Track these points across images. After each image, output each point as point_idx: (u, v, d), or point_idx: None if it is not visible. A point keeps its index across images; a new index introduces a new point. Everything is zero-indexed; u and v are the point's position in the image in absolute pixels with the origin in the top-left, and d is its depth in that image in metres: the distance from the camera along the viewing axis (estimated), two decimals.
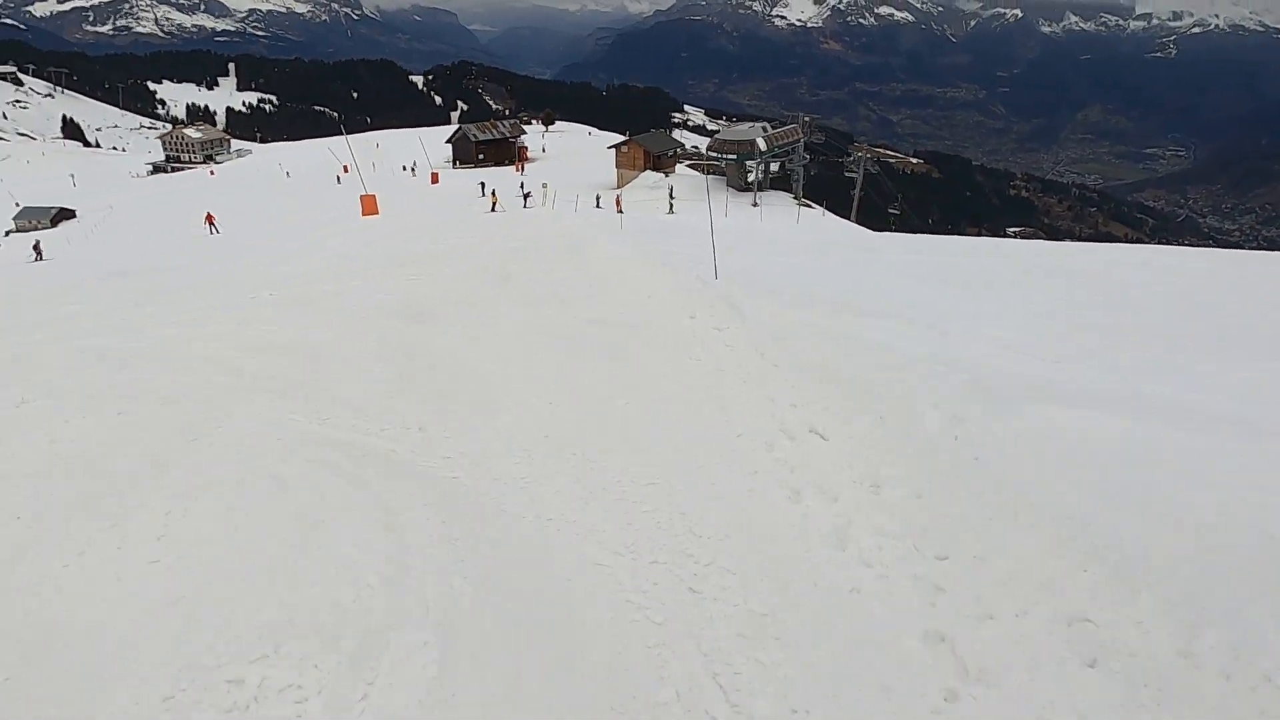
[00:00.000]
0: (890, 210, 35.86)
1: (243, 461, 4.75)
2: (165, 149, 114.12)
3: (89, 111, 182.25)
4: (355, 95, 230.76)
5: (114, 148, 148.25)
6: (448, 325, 7.99)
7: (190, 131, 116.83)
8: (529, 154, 68.98)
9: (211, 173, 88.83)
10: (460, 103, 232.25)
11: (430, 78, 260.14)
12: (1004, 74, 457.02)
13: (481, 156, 66.90)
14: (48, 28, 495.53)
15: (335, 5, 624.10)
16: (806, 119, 40.61)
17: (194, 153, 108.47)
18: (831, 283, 10.93)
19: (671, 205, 33.22)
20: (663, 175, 42.84)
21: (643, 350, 7.09)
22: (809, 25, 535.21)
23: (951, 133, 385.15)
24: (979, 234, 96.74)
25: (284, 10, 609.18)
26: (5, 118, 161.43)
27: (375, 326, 7.85)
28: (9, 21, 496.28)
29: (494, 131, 72.47)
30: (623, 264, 10.52)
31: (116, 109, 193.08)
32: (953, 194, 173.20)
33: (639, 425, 5.54)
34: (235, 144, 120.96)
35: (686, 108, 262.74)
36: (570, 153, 72.05)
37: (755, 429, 5.37)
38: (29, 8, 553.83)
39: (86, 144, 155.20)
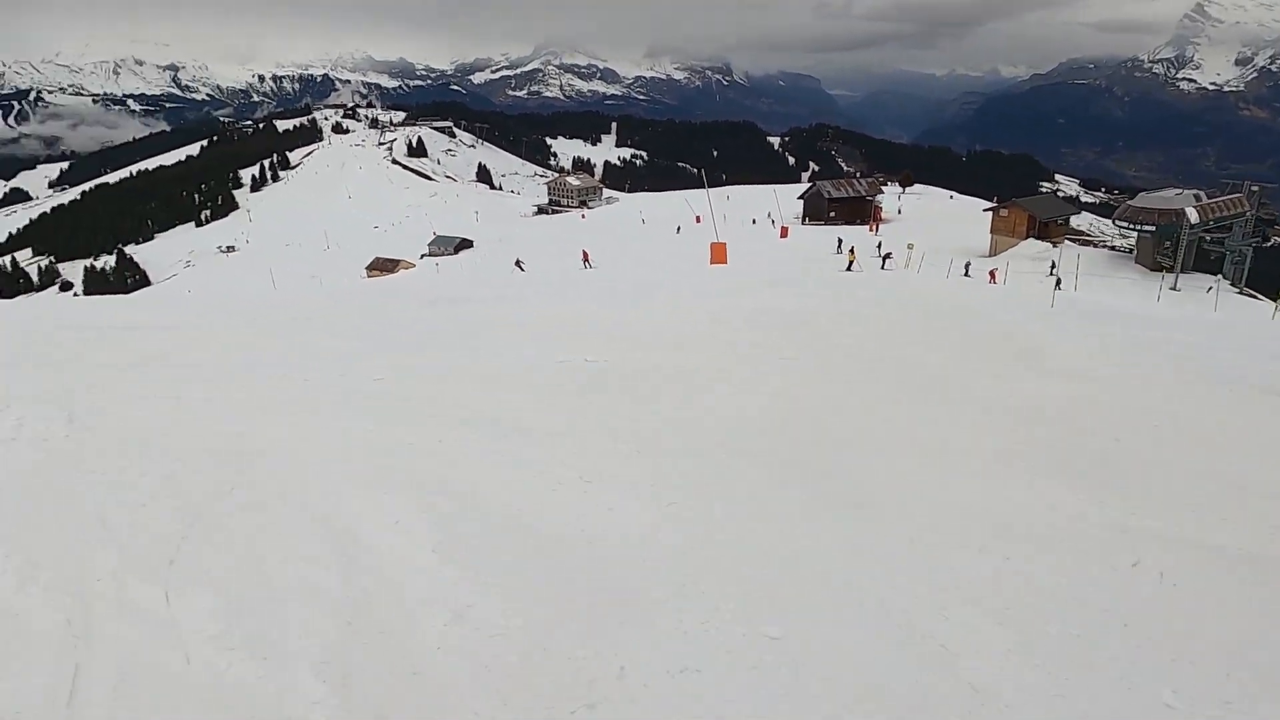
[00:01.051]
0: None
1: None
2: (549, 193, 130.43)
3: (498, 160, 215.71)
4: (715, 153, 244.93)
5: (512, 191, 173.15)
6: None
7: (571, 179, 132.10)
8: (884, 214, 65.64)
9: (583, 216, 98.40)
10: (812, 163, 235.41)
11: (786, 139, 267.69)
12: None
13: (833, 214, 65.22)
14: (482, 92, 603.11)
15: (709, 72, 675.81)
16: (1254, 187, 32.54)
17: (572, 198, 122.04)
18: None
19: (1059, 280, 28.22)
20: (1049, 245, 36.98)
21: None
22: (1225, 89, 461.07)
23: None
24: None
25: (664, 77, 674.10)
26: (439, 163, 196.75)
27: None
28: (456, 87, 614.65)
29: (849, 189, 70.37)
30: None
31: (518, 158, 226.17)
32: None
33: None
34: (607, 192, 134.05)
35: (1058, 177, 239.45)
36: (929, 215, 67.21)
37: None
38: (471, 76, 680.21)
39: (492, 187, 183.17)
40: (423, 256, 78.30)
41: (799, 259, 35.56)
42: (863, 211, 65.31)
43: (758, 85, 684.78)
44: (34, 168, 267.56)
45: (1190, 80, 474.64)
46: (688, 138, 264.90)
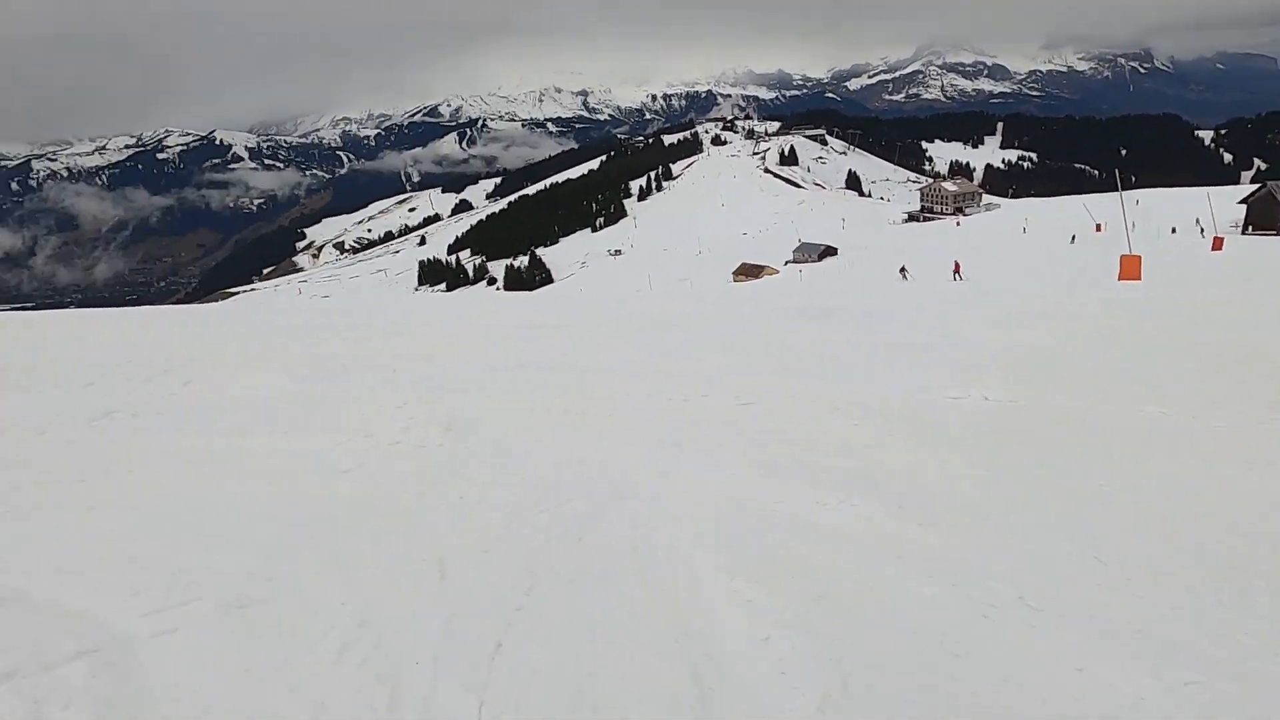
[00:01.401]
0: None
1: None
2: (922, 200, 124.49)
3: (869, 166, 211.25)
4: (1123, 152, 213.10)
5: (881, 198, 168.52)
6: None
7: (946, 185, 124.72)
8: None
9: (957, 223, 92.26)
10: (1258, 160, 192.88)
11: (1222, 133, 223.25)
12: None
13: None
14: (857, 98, 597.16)
15: (1121, 60, 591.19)
16: None
17: (946, 204, 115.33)
18: None
19: None
20: None
21: None
22: None
23: None
24: None
25: (1064, 69, 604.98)
26: (809, 170, 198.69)
27: None
28: (830, 95, 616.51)
29: None
30: None
31: (890, 164, 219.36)
32: None
33: None
34: (986, 198, 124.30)
35: None
36: None
37: None
38: (846, 83, 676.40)
39: (861, 193, 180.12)
40: (786, 263, 79.77)
41: (1240, 275, 29.38)
42: None
43: (1186, 71, 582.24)
44: (476, 183, 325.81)
45: None
46: (1087, 136, 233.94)
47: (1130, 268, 26.03)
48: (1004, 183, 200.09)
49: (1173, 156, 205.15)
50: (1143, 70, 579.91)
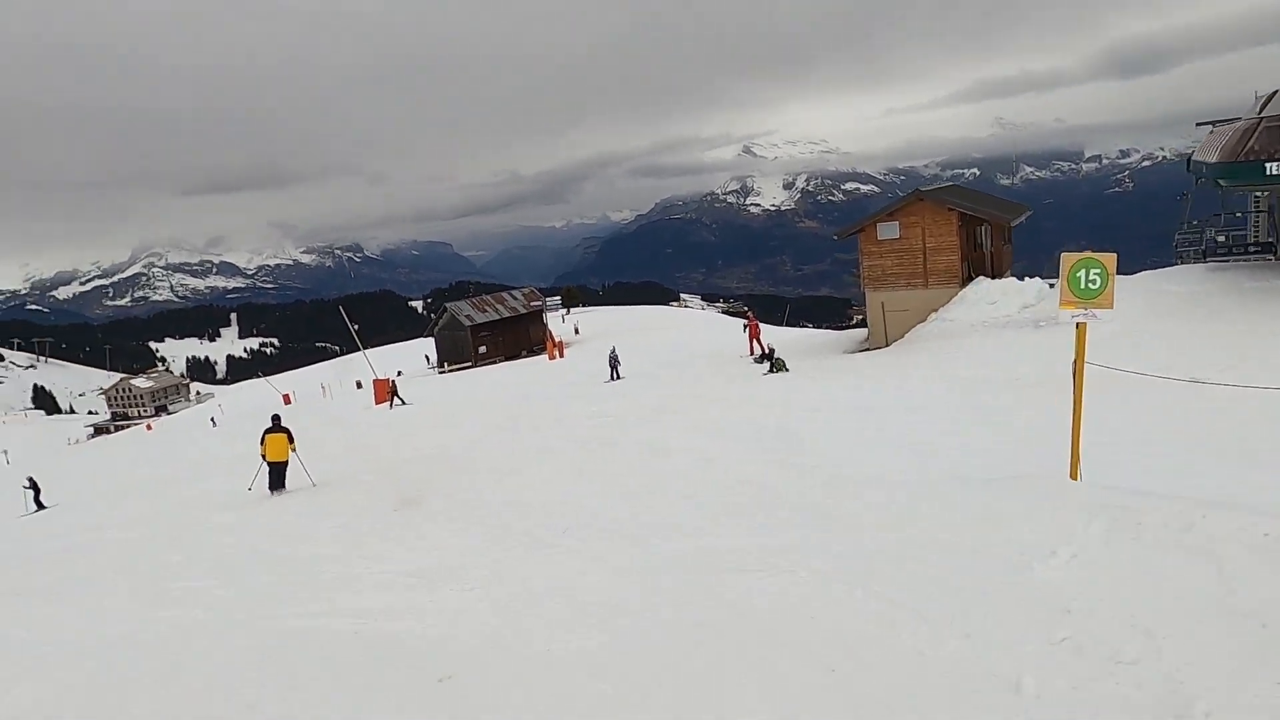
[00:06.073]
0: None
1: None
2: (110, 405, 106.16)
3: (72, 378, 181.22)
4: (357, 327, 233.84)
5: (90, 410, 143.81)
6: None
7: (138, 381, 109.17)
8: (557, 338, 49.70)
9: (149, 427, 74.34)
10: None
11: (429, 300, 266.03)
12: None
13: (483, 349, 51.33)
14: (71, 307, 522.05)
15: (338, 251, 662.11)
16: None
17: (144, 404, 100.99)
18: None
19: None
20: (1016, 280, 25.74)
21: None
22: (783, 208, 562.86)
23: None
24: None
25: (291, 263, 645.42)
26: None
27: None
28: (35, 307, 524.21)
29: (497, 309, 53.99)
30: None
31: (104, 370, 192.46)
32: None
33: None
34: (198, 387, 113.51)
35: (683, 296, 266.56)
36: (626, 329, 55.97)
37: None
38: (54, 292, 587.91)
39: (58, 411, 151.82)
40: None
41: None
42: (526, 338, 52.51)
43: (391, 257, 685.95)
44: None
45: (756, 205, 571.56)
46: (322, 316, 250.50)
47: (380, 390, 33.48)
48: (251, 370, 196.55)
49: (396, 322, 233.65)
50: (358, 259, 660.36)
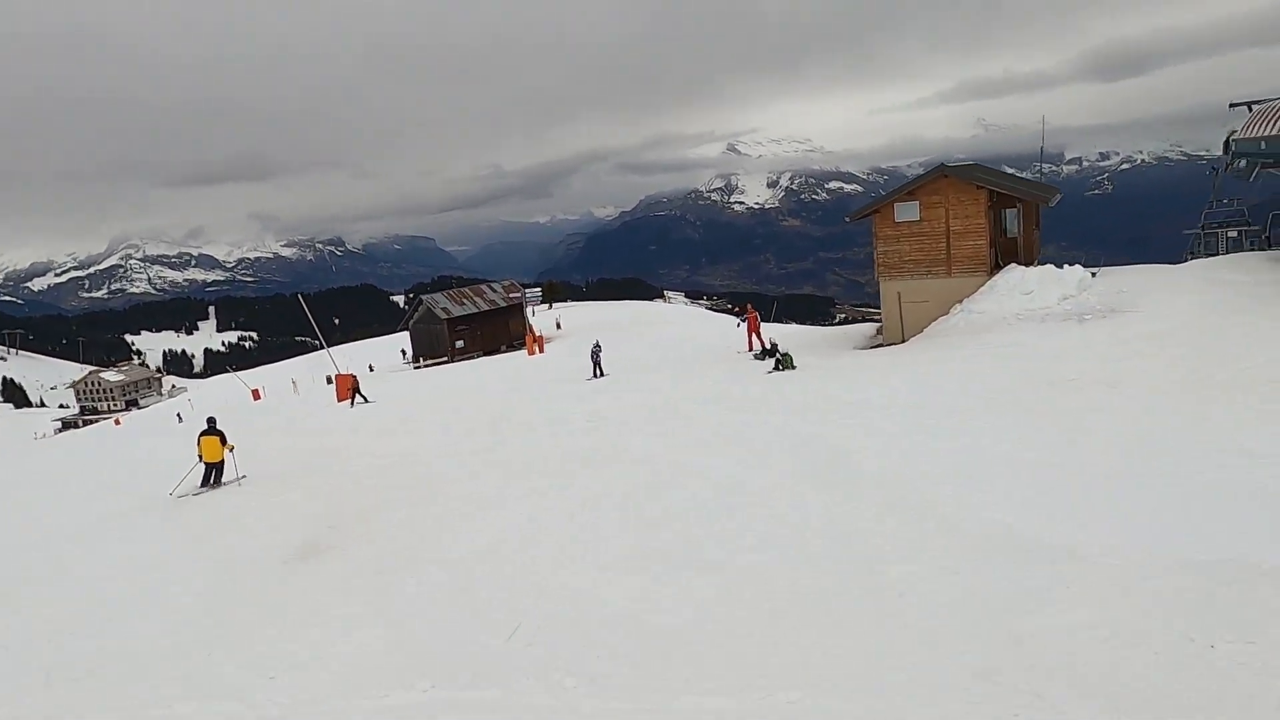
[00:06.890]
0: None
1: None
2: (79, 399, 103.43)
3: (43, 370, 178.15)
4: (336, 321, 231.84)
5: (61, 405, 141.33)
6: None
7: (108, 375, 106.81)
8: (538, 332, 47.95)
9: (117, 422, 72.37)
10: None
11: (411, 295, 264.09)
12: None
13: (461, 343, 50.32)
14: (46, 299, 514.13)
15: (319, 245, 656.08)
16: None
17: (114, 398, 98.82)
18: None
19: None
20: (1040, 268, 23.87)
21: None
22: (767, 207, 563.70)
23: None
24: None
25: (271, 256, 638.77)
26: None
27: None
28: (8, 298, 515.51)
29: (476, 302, 52.75)
30: None
31: (77, 364, 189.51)
32: None
33: None
34: (174, 381, 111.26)
35: (666, 292, 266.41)
36: (613, 325, 53.31)
37: None
38: (28, 284, 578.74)
39: (28, 404, 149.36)
40: None
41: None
42: (506, 331, 50.91)
43: (373, 252, 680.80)
44: None
45: (740, 203, 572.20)
46: (300, 311, 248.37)
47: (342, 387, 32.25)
48: (228, 364, 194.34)
49: (377, 319, 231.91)
50: (340, 253, 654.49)
